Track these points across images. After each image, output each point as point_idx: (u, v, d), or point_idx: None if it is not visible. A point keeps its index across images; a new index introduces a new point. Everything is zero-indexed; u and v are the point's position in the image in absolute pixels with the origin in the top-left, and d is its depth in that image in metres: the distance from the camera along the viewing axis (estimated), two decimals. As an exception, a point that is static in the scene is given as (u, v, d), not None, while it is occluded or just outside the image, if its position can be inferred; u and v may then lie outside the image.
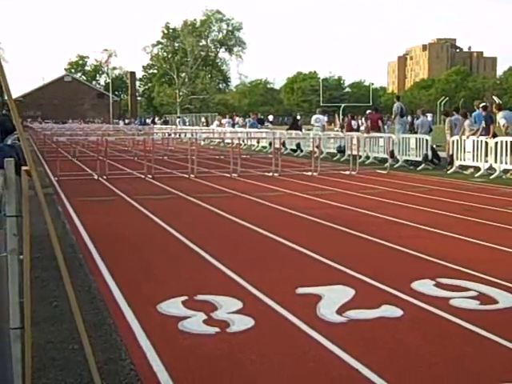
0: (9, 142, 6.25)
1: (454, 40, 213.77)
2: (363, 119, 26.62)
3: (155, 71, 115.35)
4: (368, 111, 29.14)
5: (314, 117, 28.10)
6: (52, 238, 3.11)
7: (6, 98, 3.37)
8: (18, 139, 5.08)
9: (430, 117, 24.97)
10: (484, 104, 18.61)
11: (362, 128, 25.72)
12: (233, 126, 39.53)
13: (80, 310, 3.18)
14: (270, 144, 25.82)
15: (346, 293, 5.46)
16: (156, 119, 71.71)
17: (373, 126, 22.97)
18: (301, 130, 30.15)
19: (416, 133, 20.93)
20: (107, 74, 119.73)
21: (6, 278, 2.67)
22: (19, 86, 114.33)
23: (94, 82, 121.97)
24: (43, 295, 5.39)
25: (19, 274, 2.83)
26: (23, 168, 2.96)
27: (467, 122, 18.43)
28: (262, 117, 45.59)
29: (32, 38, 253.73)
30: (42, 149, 28.17)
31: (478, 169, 17.11)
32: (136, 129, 45.92)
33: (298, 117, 34.78)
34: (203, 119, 61.43)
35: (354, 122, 27.00)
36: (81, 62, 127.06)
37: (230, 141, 24.10)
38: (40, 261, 6.26)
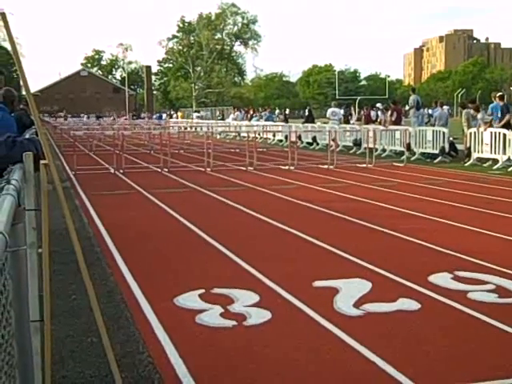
0: (27, 136, 6.29)
1: (471, 31, 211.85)
2: (379, 112, 26.33)
3: (171, 65, 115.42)
4: (378, 104, 28.94)
5: (330, 110, 27.94)
6: (70, 232, 3.13)
7: (24, 92, 3.39)
8: (36, 133, 5.11)
9: (446, 109, 24.76)
10: (500, 94, 18.45)
11: (379, 120, 25.41)
12: (250, 119, 39.56)
13: (98, 304, 3.20)
14: (286, 137, 25.78)
15: (362, 286, 5.45)
16: (172, 113, 72.08)
17: (399, 120, 22.78)
18: (313, 122, 30.17)
19: (433, 125, 20.80)
20: (123, 68, 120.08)
21: (26, 271, 2.69)
22: (36, 81, 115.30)
23: (109, 77, 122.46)
24: (62, 289, 5.43)
25: (38, 267, 2.85)
26: (41, 162, 2.97)
27: (480, 116, 18.32)
28: (277, 110, 45.52)
29: (48, 33, 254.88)
30: (58, 143, 28.36)
31: (496, 161, 16.97)
32: (152, 123, 46.09)
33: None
34: (218, 113, 61.55)
35: (373, 113, 26.77)
36: (97, 56, 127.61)
37: (245, 134, 24.08)
38: (58, 254, 6.31)
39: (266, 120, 35.41)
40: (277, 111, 41.94)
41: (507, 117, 17.34)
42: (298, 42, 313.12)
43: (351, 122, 30.16)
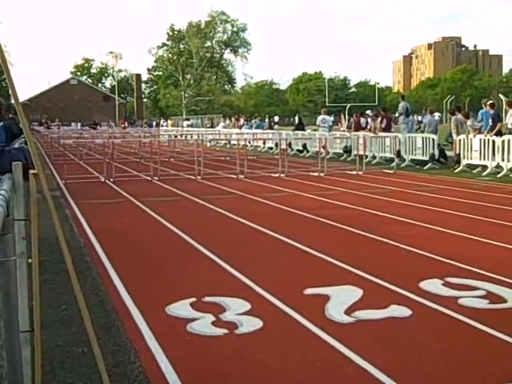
0: (16, 146, 6.27)
1: (460, 38, 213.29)
2: (369, 119, 26.44)
3: (160, 73, 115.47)
4: (368, 111, 29.07)
5: (320, 117, 28.02)
6: (60, 241, 3.12)
7: (13, 101, 3.39)
8: (25, 142, 5.09)
9: (437, 116, 24.87)
10: (491, 102, 18.57)
11: (369, 127, 25.54)
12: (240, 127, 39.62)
13: (89, 314, 3.18)
14: (277, 145, 25.80)
15: (354, 293, 5.45)
16: (162, 121, 71.91)
17: (388, 127, 22.88)
18: (304, 130, 30.24)
19: (422, 132, 20.89)
20: (113, 76, 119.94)
21: (15, 281, 2.68)
22: (25, 90, 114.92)
23: (99, 85, 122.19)
24: (52, 298, 5.40)
25: (28, 277, 2.83)
26: (31, 171, 2.96)
27: (469, 122, 18.43)
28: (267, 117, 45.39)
29: (37, 41, 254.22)
30: (49, 152, 28.27)
31: (485, 167, 17.06)
32: (143, 131, 46.01)
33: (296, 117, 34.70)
34: (207, 120, 61.62)
35: (362, 120, 26.85)
36: (86, 64, 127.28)
37: (236, 142, 24.09)
38: (48, 264, 6.28)
39: (256, 128, 35.42)
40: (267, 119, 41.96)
41: (499, 125, 17.44)
42: (288, 49, 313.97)
43: (340, 129, 30.26)
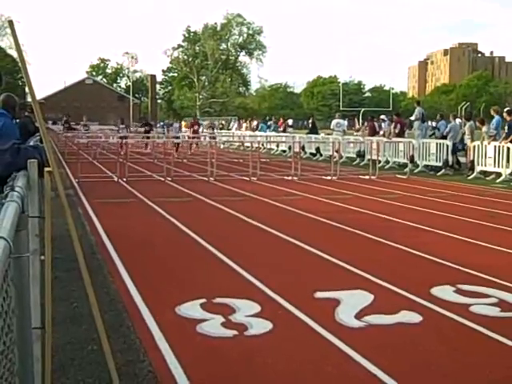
0: (31, 144, 6.31)
1: (476, 45, 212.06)
2: (383, 124, 26.38)
3: (175, 74, 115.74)
4: (382, 116, 28.99)
5: (335, 121, 27.98)
6: (73, 239, 3.14)
7: (28, 99, 3.42)
8: (41, 141, 5.12)
9: (458, 122, 24.74)
10: (508, 109, 18.44)
11: (382, 132, 25.50)
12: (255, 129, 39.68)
13: (100, 312, 3.20)
14: (290, 148, 25.80)
15: (364, 298, 5.44)
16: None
17: (402, 132, 22.85)
18: (317, 133, 30.19)
19: (445, 137, 20.69)
20: (128, 76, 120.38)
21: (28, 278, 2.69)
22: (41, 89, 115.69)
23: (114, 85, 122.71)
24: (63, 296, 5.43)
25: (40, 274, 2.85)
26: (46, 169, 2.98)
27: (484, 129, 18.33)
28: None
29: (54, 40, 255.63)
30: (63, 150, 28.42)
31: (499, 175, 16.95)
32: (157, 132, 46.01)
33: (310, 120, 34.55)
34: (223, 122, 61.64)
35: (376, 124, 26.80)
36: (102, 64, 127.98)
37: (249, 144, 24.09)
38: (60, 261, 6.31)
39: (271, 130, 35.47)
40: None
41: None
42: (303, 53, 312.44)
43: (354, 133, 30.23)
